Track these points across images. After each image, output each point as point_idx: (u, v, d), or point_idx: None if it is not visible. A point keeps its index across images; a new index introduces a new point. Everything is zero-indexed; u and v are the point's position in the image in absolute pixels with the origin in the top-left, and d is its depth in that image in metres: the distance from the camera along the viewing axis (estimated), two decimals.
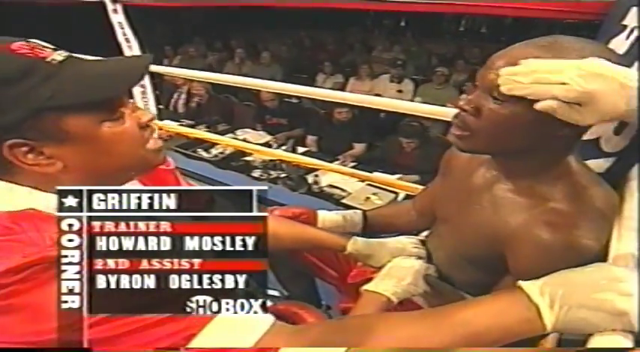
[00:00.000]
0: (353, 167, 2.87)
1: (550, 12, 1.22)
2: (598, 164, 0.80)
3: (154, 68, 2.60)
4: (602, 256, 0.61)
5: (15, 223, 0.57)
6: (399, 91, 4.64)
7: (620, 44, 0.84)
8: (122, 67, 0.66)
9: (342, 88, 4.73)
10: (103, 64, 0.64)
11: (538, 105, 0.59)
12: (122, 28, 2.38)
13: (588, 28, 1.09)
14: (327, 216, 1.12)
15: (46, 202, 0.60)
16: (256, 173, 2.87)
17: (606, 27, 0.93)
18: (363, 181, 2.66)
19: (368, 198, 2.53)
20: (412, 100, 4.35)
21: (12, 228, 0.57)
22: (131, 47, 2.44)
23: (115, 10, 2.35)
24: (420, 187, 1.97)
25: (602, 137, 0.80)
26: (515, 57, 0.64)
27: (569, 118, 0.59)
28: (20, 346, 0.54)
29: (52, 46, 0.61)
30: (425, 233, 1.06)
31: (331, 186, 2.69)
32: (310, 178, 2.73)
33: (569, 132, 0.63)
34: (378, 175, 2.31)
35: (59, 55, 0.59)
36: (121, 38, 2.42)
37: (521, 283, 0.59)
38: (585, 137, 0.71)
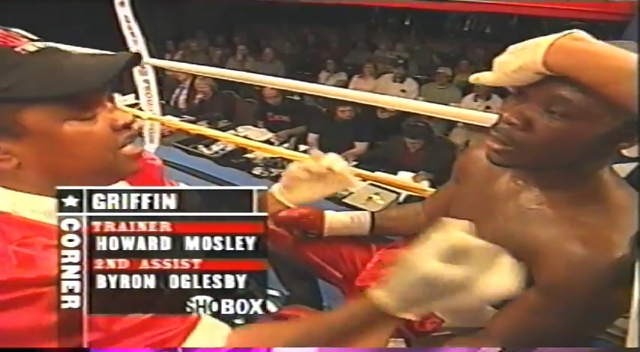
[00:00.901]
0: (355, 166, 2.85)
1: (557, 11, 1.20)
2: (620, 168, 0.77)
3: (157, 62, 2.58)
4: (633, 266, 0.59)
5: None
6: (403, 91, 4.62)
7: None
8: (97, 62, 0.59)
9: (346, 87, 4.70)
10: (80, 58, 0.58)
11: None
12: (128, 22, 2.35)
13: (594, 28, 1.06)
14: (334, 217, 1.10)
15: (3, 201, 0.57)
16: (257, 170, 2.85)
17: (634, 27, 0.90)
18: (365, 181, 2.63)
19: (370, 197, 2.51)
20: (416, 99, 4.33)
21: None
22: (136, 41, 2.41)
23: (122, 3, 2.32)
24: (422, 187, 1.97)
25: None
26: None
27: None
28: None
29: (33, 37, 0.57)
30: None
31: None
32: None
33: (625, 145, 0.59)
34: (381, 175, 2.28)
35: (32, 46, 0.54)
36: (126, 32, 2.39)
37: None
38: None
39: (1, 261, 0.51)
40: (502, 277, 0.54)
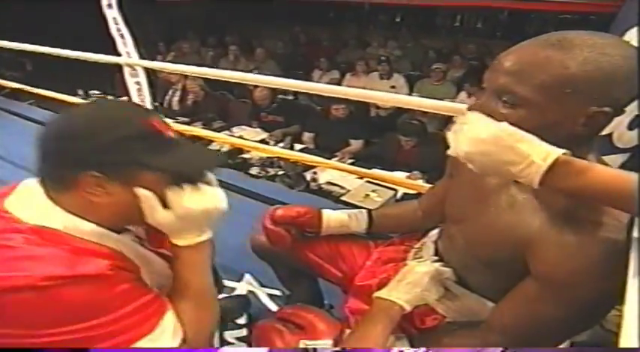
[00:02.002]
0: (351, 164, 2.85)
1: (547, 4, 1.20)
2: (612, 159, 0.78)
3: (148, 63, 2.56)
4: (626, 249, 0.59)
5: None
6: (392, 87, 4.62)
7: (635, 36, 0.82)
8: (203, 155, 0.85)
9: (339, 85, 4.70)
10: (192, 149, 0.80)
11: None
12: (116, 24, 2.33)
13: (583, 22, 1.07)
14: (332, 216, 1.09)
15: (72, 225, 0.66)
16: (254, 170, 2.84)
17: (622, 19, 0.90)
18: (362, 178, 2.64)
19: (367, 195, 2.51)
20: (409, 95, 4.34)
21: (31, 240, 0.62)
22: (125, 43, 2.39)
23: (110, 5, 2.29)
24: (423, 184, 1.97)
25: (615, 133, 0.78)
26: (524, 57, 0.61)
27: None
28: None
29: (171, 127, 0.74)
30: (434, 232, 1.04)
31: (330, 183, 2.67)
32: (308, 175, 2.71)
33: (583, 132, 0.61)
34: (378, 172, 2.28)
35: (173, 133, 0.72)
36: (115, 33, 2.37)
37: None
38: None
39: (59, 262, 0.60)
40: None
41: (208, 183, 0.75)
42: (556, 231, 0.65)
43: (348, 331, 0.80)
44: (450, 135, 0.66)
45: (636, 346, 0.51)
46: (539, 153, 0.57)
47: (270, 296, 1.68)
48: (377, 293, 0.84)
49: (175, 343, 0.69)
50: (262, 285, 1.73)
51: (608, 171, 0.56)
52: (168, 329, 0.68)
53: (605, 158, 0.76)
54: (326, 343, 0.76)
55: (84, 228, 0.66)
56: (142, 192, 0.68)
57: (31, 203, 0.67)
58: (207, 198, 0.73)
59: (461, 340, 0.79)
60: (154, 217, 0.70)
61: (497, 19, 7.86)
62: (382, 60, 4.83)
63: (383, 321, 0.78)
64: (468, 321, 0.85)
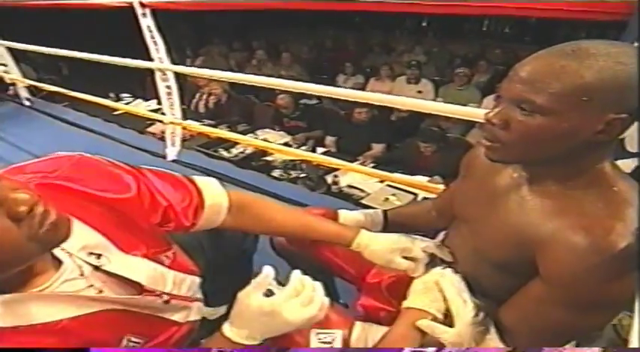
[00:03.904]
0: (372, 168, 2.87)
1: (575, 12, 1.20)
2: (624, 164, 0.78)
3: (178, 68, 2.67)
4: (636, 257, 0.60)
5: None
6: (419, 92, 4.62)
7: None
8: None
9: (363, 89, 4.72)
10: None
11: None
12: (150, 31, 2.46)
13: (614, 27, 1.07)
14: (348, 216, 1.13)
15: None
16: (276, 173, 2.90)
17: (633, 26, 0.91)
18: (382, 182, 2.66)
19: (387, 198, 2.53)
20: (435, 100, 4.32)
21: None
22: (158, 49, 2.52)
23: (144, 14, 2.42)
24: (439, 188, 1.98)
25: (627, 137, 0.79)
26: (540, 66, 0.63)
27: None
28: None
29: None
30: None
31: (350, 186, 2.70)
32: (329, 179, 2.75)
33: (602, 138, 0.62)
34: (401, 176, 2.30)
35: None
36: (149, 41, 2.50)
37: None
38: None
39: None
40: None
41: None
42: (566, 233, 0.66)
43: (358, 323, 0.83)
44: None
45: None
46: None
47: None
48: (405, 304, 0.84)
49: None
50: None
51: None
52: None
53: (618, 162, 0.77)
54: (337, 333, 0.79)
55: None
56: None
57: None
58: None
59: None
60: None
61: (526, 23, 7.71)
62: (412, 64, 4.85)
63: (409, 325, 0.78)
64: None
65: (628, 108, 0.60)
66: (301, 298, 0.74)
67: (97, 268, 0.67)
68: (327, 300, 0.74)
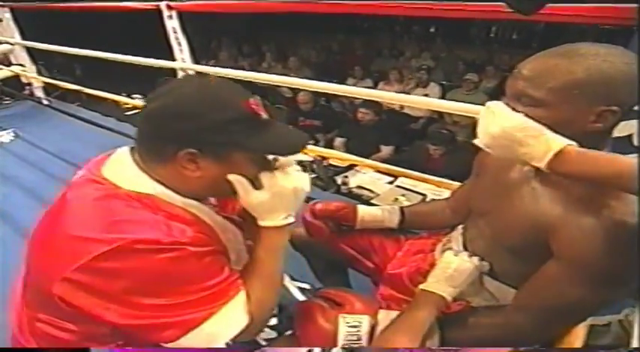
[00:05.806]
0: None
1: (583, 17, 1.24)
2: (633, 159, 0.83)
3: (201, 68, 2.75)
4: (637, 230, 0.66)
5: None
6: (426, 95, 4.67)
7: None
8: (292, 135, 0.82)
9: None
10: (283, 129, 0.82)
11: None
12: (175, 33, 2.57)
13: (622, 34, 1.11)
14: (366, 211, 1.18)
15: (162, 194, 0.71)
16: None
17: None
18: (391, 183, 2.70)
19: (396, 199, 2.57)
20: None
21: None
22: (182, 50, 2.63)
23: (170, 17, 2.53)
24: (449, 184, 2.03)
25: (635, 133, 0.84)
26: (537, 65, 0.72)
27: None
28: None
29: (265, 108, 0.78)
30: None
31: (360, 187, 2.74)
32: (339, 179, 2.79)
33: (596, 128, 0.69)
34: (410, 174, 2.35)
35: (265, 115, 0.76)
36: (173, 42, 2.61)
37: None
38: (619, 134, 0.76)
39: (158, 227, 0.66)
40: None
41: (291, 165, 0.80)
42: (576, 216, 0.72)
43: (382, 311, 0.87)
44: (480, 120, 0.77)
45: None
46: (549, 142, 0.67)
47: (300, 289, 1.77)
48: (422, 286, 0.88)
49: (245, 320, 0.72)
50: (293, 279, 1.82)
51: (607, 156, 0.64)
52: (239, 306, 0.72)
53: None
54: (364, 318, 0.83)
55: (173, 197, 0.71)
56: (234, 177, 0.72)
57: (125, 171, 0.71)
58: (296, 178, 0.78)
59: (485, 319, 0.86)
60: (248, 199, 0.75)
61: (533, 30, 7.73)
62: (421, 68, 4.96)
63: (428, 308, 0.83)
64: (492, 305, 0.92)
65: (617, 101, 0.68)
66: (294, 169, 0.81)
67: None
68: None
